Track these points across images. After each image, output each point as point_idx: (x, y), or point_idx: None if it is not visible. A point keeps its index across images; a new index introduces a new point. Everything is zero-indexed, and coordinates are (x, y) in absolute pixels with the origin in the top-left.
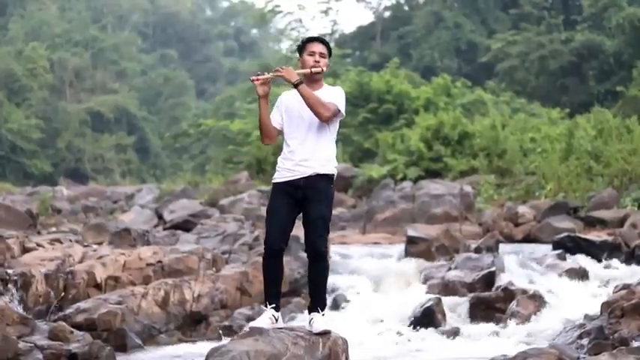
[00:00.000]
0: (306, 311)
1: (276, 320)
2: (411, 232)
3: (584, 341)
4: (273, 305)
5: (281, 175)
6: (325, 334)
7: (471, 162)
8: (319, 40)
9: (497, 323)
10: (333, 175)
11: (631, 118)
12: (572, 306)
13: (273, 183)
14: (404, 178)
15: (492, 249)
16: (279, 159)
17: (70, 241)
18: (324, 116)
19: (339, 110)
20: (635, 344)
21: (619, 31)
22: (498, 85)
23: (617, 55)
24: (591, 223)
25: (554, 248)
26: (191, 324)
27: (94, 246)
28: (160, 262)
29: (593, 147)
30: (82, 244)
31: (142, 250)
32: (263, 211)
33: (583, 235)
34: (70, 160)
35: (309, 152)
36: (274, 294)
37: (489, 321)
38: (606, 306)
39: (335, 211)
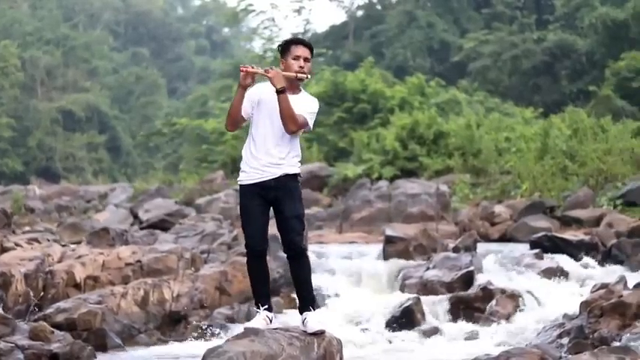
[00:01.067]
0: (297, 311)
1: (271, 321)
2: (389, 232)
3: (564, 340)
4: (266, 306)
5: (249, 177)
6: (320, 334)
7: (446, 161)
8: (304, 43)
9: (476, 323)
10: (300, 173)
11: (605, 118)
12: (551, 305)
13: (242, 185)
14: (379, 178)
15: (470, 248)
16: (245, 157)
17: (48, 240)
18: (290, 130)
19: (307, 125)
20: (615, 343)
21: (591, 31)
22: (471, 85)
23: (589, 54)
24: (567, 222)
25: (532, 247)
26: (170, 324)
27: (73, 246)
28: (138, 261)
29: (568, 146)
30: (60, 243)
31: (121, 250)
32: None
33: (560, 235)
34: (42, 159)
35: (279, 154)
36: (264, 295)
37: (469, 320)
38: (585, 305)
39: (311, 211)
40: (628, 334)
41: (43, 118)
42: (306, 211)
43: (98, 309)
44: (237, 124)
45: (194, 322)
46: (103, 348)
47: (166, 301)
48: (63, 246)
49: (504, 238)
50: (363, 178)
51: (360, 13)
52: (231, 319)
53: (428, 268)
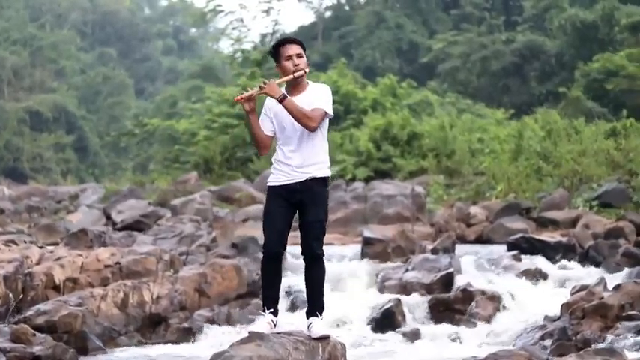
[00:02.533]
0: (304, 315)
1: (275, 325)
2: (367, 233)
3: (547, 342)
4: (271, 310)
5: (277, 179)
6: (325, 338)
7: (420, 162)
8: (291, 41)
9: (457, 324)
10: (329, 177)
11: (578, 119)
12: (531, 307)
13: (269, 186)
14: (353, 179)
15: (449, 250)
16: (274, 161)
17: (25, 242)
18: (310, 127)
19: (326, 113)
20: (598, 345)
21: (560, 32)
22: (440, 86)
23: (558, 56)
24: (543, 223)
25: (509, 249)
26: (150, 325)
27: (51, 247)
28: (117, 263)
29: (542, 148)
30: (37, 245)
31: (100, 252)
32: (215, 211)
33: (537, 236)
34: (9, 160)
35: (305, 158)
36: (272, 298)
37: (449, 322)
38: (566, 307)
39: None
40: (611, 336)
41: (10, 118)
42: None
43: (78, 311)
44: (267, 145)
45: (174, 324)
46: (84, 350)
47: (146, 303)
48: (40, 247)
49: (481, 240)
50: (338, 180)
51: (328, 13)
52: (212, 321)
53: (407, 270)
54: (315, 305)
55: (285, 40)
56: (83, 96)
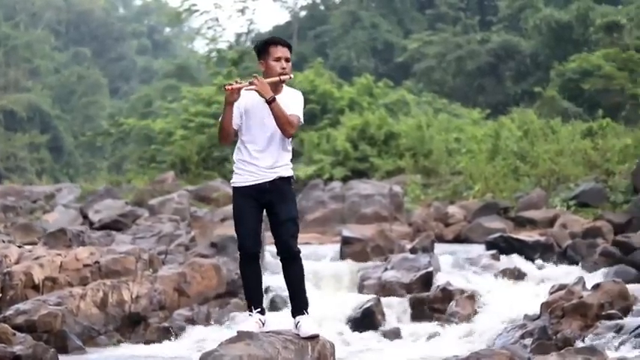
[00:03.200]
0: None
1: (263, 324)
2: (346, 233)
3: (527, 341)
4: (259, 309)
5: (244, 180)
6: (314, 337)
7: (397, 162)
8: (282, 43)
9: (437, 323)
10: (293, 176)
11: (553, 119)
12: (510, 306)
13: (235, 187)
14: (330, 178)
15: (428, 249)
16: (238, 161)
17: (4, 241)
18: (289, 133)
19: (300, 121)
20: (578, 344)
21: (535, 32)
22: (416, 85)
23: (533, 56)
24: (521, 223)
25: (488, 248)
26: (130, 325)
27: (29, 247)
28: (97, 262)
29: (519, 147)
30: (16, 244)
31: (79, 251)
32: (193, 211)
33: (515, 236)
34: None
35: (273, 158)
36: (257, 298)
37: (429, 321)
38: (546, 306)
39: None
40: (591, 335)
41: None
42: None
43: (58, 311)
44: (230, 137)
45: (154, 324)
46: (64, 350)
47: (125, 303)
48: (19, 247)
49: (459, 239)
50: (316, 179)
51: (303, 13)
52: (191, 321)
53: (386, 269)
54: (299, 303)
55: (277, 41)
56: (57, 95)
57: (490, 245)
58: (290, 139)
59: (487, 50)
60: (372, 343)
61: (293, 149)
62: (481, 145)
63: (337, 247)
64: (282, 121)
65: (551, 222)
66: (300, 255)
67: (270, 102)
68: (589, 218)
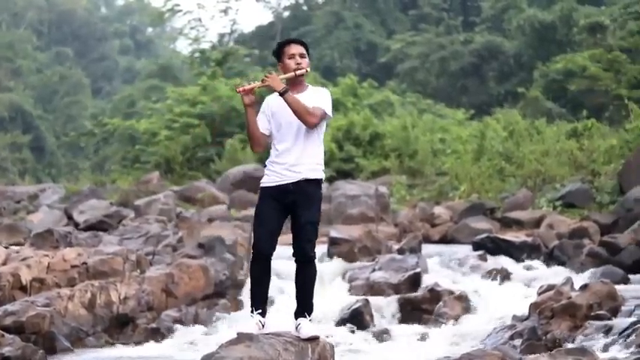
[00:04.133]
0: (293, 316)
1: (263, 326)
2: (333, 234)
3: (517, 342)
4: (260, 311)
5: (270, 180)
6: (314, 339)
7: (382, 162)
8: (296, 41)
9: (425, 324)
10: (322, 178)
11: (537, 120)
12: (498, 307)
13: (262, 187)
14: None
15: (415, 250)
16: (268, 163)
17: None
18: (311, 123)
19: (326, 113)
20: (568, 345)
21: (519, 33)
22: (399, 86)
23: (517, 56)
24: (508, 223)
25: (475, 249)
26: (118, 326)
27: (16, 247)
28: (84, 263)
29: (505, 148)
30: (2, 245)
31: (66, 252)
32: (179, 211)
33: (502, 236)
34: None
35: (298, 157)
36: (261, 299)
37: (417, 322)
38: (535, 307)
39: (248, 212)
40: (580, 335)
41: None
42: (244, 213)
43: (46, 312)
44: (261, 142)
45: (142, 325)
46: (52, 351)
47: (113, 304)
48: (6, 248)
49: (445, 240)
50: None
51: (286, 13)
52: (179, 322)
53: (374, 270)
54: (304, 307)
55: (289, 40)
56: (39, 95)
57: (477, 246)
58: (319, 139)
59: (470, 51)
60: (361, 344)
61: None
62: (466, 146)
63: (324, 247)
64: (300, 111)
65: (537, 222)
66: (315, 260)
67: (283, 94)
68: (575, 219)
